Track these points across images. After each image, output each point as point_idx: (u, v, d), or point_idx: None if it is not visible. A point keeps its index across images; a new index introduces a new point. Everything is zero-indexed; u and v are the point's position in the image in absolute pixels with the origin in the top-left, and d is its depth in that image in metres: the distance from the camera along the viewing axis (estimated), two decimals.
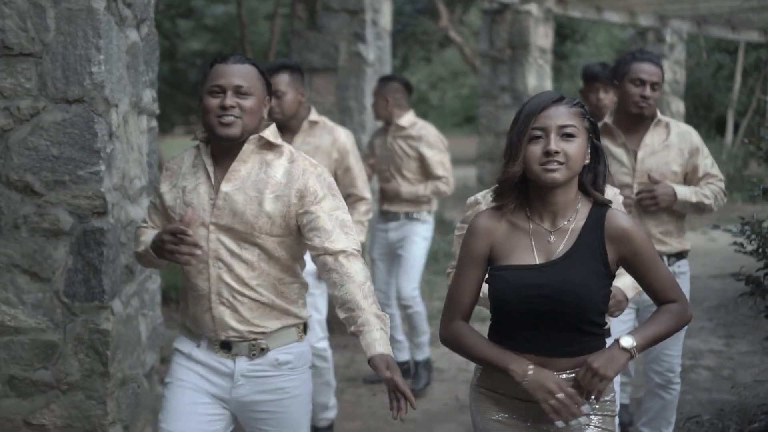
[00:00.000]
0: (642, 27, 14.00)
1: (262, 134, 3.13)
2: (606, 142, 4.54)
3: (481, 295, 2.98)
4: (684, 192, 4.51)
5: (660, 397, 4.77)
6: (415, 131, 6.18)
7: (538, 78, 11.14)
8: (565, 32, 14.77)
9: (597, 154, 2.86)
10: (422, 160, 6.16)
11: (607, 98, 5.49)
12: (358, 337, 3.00)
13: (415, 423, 5.64)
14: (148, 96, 4.39)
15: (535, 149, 2.74)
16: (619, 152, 4.60)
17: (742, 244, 5.09)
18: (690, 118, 15.92)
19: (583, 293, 2.74)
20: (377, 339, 2.95)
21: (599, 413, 2.84)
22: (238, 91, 3.08)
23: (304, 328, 3.28)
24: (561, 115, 2.75)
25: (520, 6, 10.98)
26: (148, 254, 3.20)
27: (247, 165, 3.13)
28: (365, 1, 7.37)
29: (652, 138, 4.61)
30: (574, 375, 2.78)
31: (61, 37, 3.69)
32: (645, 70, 4.53)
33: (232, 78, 3.08)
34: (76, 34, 3.68)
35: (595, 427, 2.83)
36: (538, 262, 2.79)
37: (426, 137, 6.17)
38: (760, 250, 5.04)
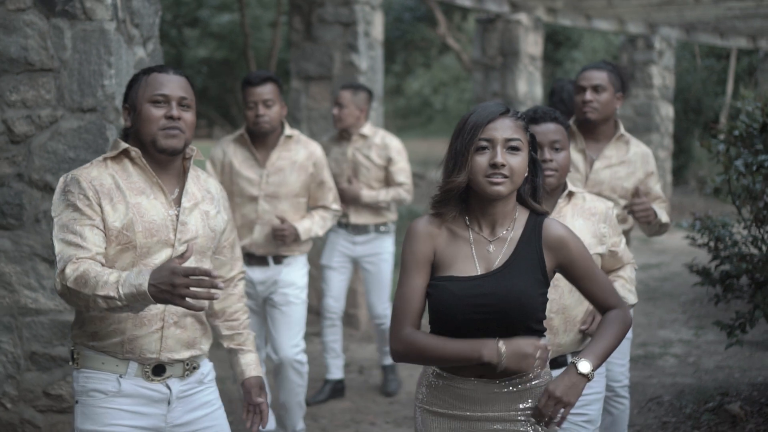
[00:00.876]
0: (632, 34, 14.49)
1: (192, 146, 3.12)
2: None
3: None
4: (660, 212, 4.52)
5: (607, 411, 4.65)
6: (379, 140, 6.16)
7: (528, 84, 11.64)
8: (559, 39, 15.23)
9: (534, 166, 2.88)
10: (387, 169, 6.13)
11: (599, 100, 5.38)
12: (231, 354, 3.29)
13: (401, 404, 6.10)
14: None
15: (482, 160, 2.75)
16: (576, 158, 4.60)
17: (693, 238, 5.59)
18: (679, 122, 16.38)
19: (525, 301, 2.75)
20: (254, 361, 3.27)
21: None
22: (182, 104, 3.01)
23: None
24: (507, 128, 2.76)
25: (510, 15, 11.48)
26: (134, 299, 2.68)
27: (189, 182, 3.08)
28: (358, 14, 7.88)
29: (611, 151, 4.64)
30: (514, 385, 2.81)
31: (77, 55, 4.21)
32: (585, 76, 4.61)
33: (177, 89, 3.00)
34: (90, 52, 4.20)
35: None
36: (479, 272, 2.80)
37: (393, 145, 6.16)
38: (710, 244, 5.54)
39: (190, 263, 2.96)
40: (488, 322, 2.73)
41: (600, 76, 4.60)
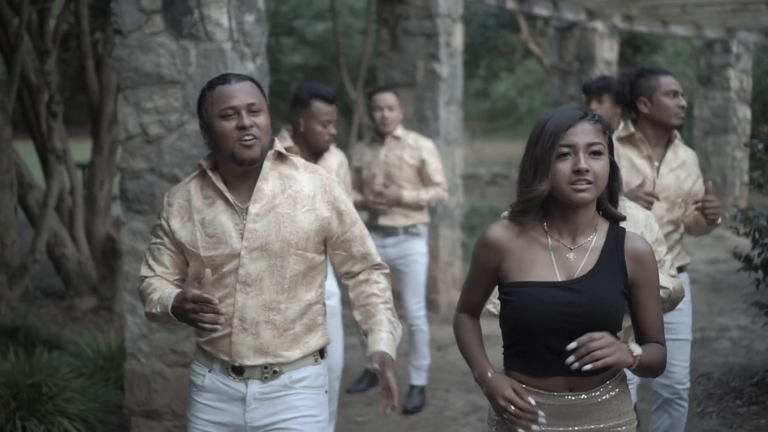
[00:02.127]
0: (709, 39, 14.96)
1: (276, 148, 3.10)
2: (629, 153, 4.54)
3: (494, 311, 3.06)
4: None
5: (668, 414, 4.71)
6: (412, 141, 6.22)
7: None
8: (638, 43, 15.78)
9: (613, 170, 2.79)
10: (421, 169, 6.19)
11: (600, 109, 5.60)
12: (367, 336, 3.10)
13: (430, 423, 6.01)
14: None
15: (564, 167, 2.66)
16: (642, 164, 4.55)
17: (737, 228, 6.23)
18: (757, 123, 16.74)
19: (613, 312, 2.69)
20: (383, 339, 3.03)
21: None
22: (251, 110, 2.99)
23: (321, 352, 3.17)
24: (588, 133, 2.66)
25: (586, 23, 12.13)
26: (168, 318, 2.95)
27: (268, 183, 3.04)
28: (439, 26, 8.66)
29: (671, 155, 4.61)
30: (592, 398, 2.74)
31: (200, 69, 5.09)
32: (674, 82, 4.51)
33: (243, 97, 2.98)
34: (210, 67, 5.08)
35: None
36: (560, 279, 2.71)
37: (425, 146, 6.23)
38: (754, 234, 6.17)
39: (259, 263, 2.99)
40: (571, 331, 2.64)
41: (678, 83, 4.58)
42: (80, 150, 13.90)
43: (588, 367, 2.55)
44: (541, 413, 2.65)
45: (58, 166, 8.06)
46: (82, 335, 6.77)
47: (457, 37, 8.97)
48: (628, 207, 3.56)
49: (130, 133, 5.17)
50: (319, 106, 5.19)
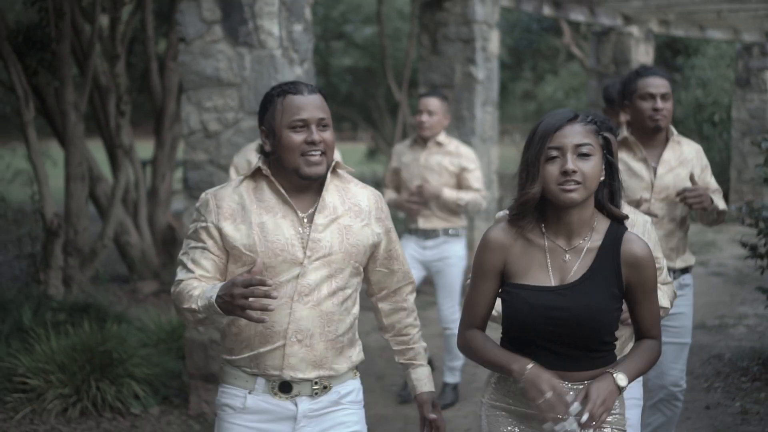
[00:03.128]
0: (746, 42, 15.37)
1: (337, 161, 3.08)
2: (625, 157, 4.53)
3: (495, 313, 3.00)
4: (716, 199, 4.53)
5: (662, 412, 4.82)
6: (453, 148, 6.30)
7: None
8: (678, 47, 16.23)
9: (611, 170, 2.83)
10: (460, 176, 6.26)
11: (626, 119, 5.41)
12: (403, 369, 3.21)
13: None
14: None
15: (553, 169, 2.72)
16: (638, 167, 4.55)
17: (743, 219, 6.75)
18: None
19: (601, 317, 2.75)
20: (426, 376, 3.14)
21: (612, 427, 2.85)
22: (321, 124, 2.95)
23: (356, 367, 3.17)
24: (576, 134, 2.72)
25: (623, 28, 12.65)
26: (209, 311, 2.78)
27: (330, 194, 3.03)
28: (476, 32, 9.27)
29: (669, 154, 4.59)
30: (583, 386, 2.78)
31: (254, 73, 5.77)
32: (652, 83, 4.47)
33: (314, 110, 2.94)
34: (262, 72, 5.75)
35: None
36: (553, 283, 2.78)
37: (466, 153, 6.31)
38: (759, 224, 6.70)
39: (320, 273, 2.95)
40: (560, 335, 2.74)
41: (665, 84, 4.51)
42: (141, 147, 14.71)
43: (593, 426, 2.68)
44: (573, 407, 2.69)
45: (125, 161, 8.83)
46: (147, 312, 7.51)
47: (493, 42, 9.58)
48: (626, 212, 3.57)
49: (192, 129, 5.87)
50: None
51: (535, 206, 2.78)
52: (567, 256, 2.79)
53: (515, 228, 2.82)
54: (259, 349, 2.93)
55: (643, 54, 12.84)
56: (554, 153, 2.71)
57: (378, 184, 15.79)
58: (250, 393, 2.96)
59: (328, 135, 2.94)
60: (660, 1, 11.44)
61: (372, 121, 20.05)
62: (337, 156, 3.11)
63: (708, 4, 11.73)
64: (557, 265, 2.79)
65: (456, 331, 6.08)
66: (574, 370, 2.78)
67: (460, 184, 6.28)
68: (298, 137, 2.90)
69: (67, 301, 7.46)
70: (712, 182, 4.66)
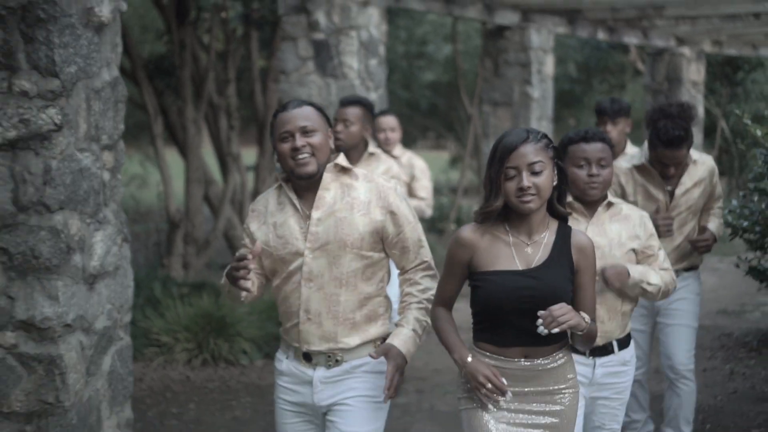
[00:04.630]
0: None
1: (336, 162, 3.41)
2: (645, 181, 4.88)
3: None
4: (716, 228, 5.04)
5: (675, 394, 5.11)
6: (406, 159, 6.83)
7: None
8: (737, 62, 17.34)
9: (562, 174, 3.24)
10: (410, 185, 6.72)
11: (615, 131, 5.59)
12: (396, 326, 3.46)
13: None
14: None
15: (511, 185, 3.13)
16: (655, 192, 4.86)
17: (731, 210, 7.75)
18: None
19: (561, 294, 3.17)
20: (403, 335, 3.38)
21: (569, 390, 3.30)
22: (305, 131, 3.30)
23: (383, 341, 3.46)
24: (528, 154, 3.11)
25: (675, 49, 13.95)
26: (226, 284, 3.38)
27: (330, 192, 3.39)
28: (532, 57, 10.74)
29: (686, 178, 4.89)
30: (549, 364, 3.23)
31: (338, 99, 7.35)
32: (668, 156, 4.65)
33: (296, 121, 3.30)
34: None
35: (568, 405, 3.29)
36: (521, 268, 3.20)
37: (417, 165, 6.86)
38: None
39: (320, 261, 3.34)
40: (528, 312, 3.12)
41: (681, 154, 4.68)
42: (244, 153, 16.53)
43: (555, 330, 3.04)
44: (508, 392, 3.19)
45: (233, 168, 10.56)
46: None
47: (547, 65, 11.04)
48: (625, 207, 4.06)
49: None
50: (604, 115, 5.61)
51: (498, 212, 3.22)
52: (529, 248, 3.23)
53: (482, 227, 3.26)
54: (286, 325, 3.47)
55: (694, 72, 14.11)
56: (512, 172, 3.12)
57: (453, 191, 17.28)
58: (286, 358, 3.50)
59: (314, 139, 3.31)
60: (708, 25, 12.68)
61: (454, 131, 21.52)
62: (340, 158, 3.45)
63: (753, 27, 12.89)
64: (521, 255, 3.22)
65: None
66: (539, 345, 3.21)
67: (410, 193, 6.78)
68: (285, 146, 3.31)
69: (187, 280, 9.19)
70: (717, 190, 5.07)
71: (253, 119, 11.34)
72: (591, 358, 3.92)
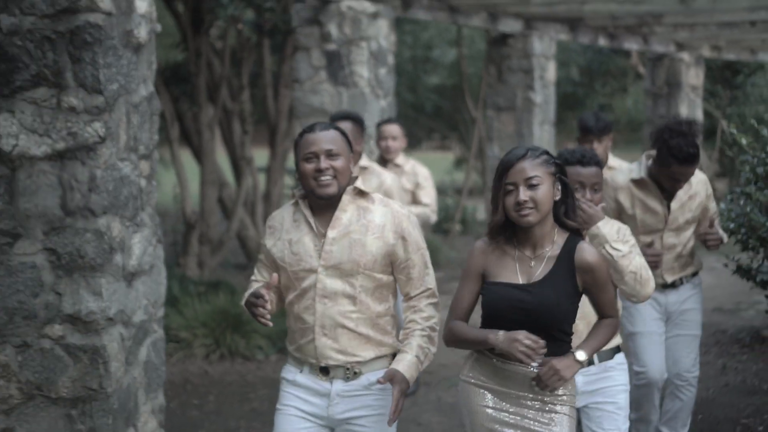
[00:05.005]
0: None
1: (355, 185, 3.51)
2: (642, 195, 4.98)
3: None
4: (723, 234, 5.08)
5: (678, 398, 5.25)
6: (410, 168, 6.95)
7: (689, 109, 14.43)
8: (737, 67, 17.69)
9: (566, 189, 3.37)
10: (414, 192, 6.88)
11: (600, 148, 5.65)
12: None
13: None
14: None
15: (510, 200, 3.29)
16: (653, 204, 4.98)
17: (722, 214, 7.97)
18: None
19: (555, 311, 3.31)
20: (407, 361, 3.43)
21: (565, 404, 3.39)
22: (330, 154, 3.40)
23: (395, 355, 3.55)
24: (526, 169, 3.27)
25: (675, 54, 14.31)
26: (245, 308, 3.47)
27: (347, 213, 3.48)
28: (534, 64, 11.11)
29: (681, 192, 5.01)
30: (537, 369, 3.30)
31: (349, 106, 7.73)
32: (684, 173, 4.75)
33: (322, 144, 3.40)
34: (355, 104, 7.73)
35: (563, 414, 3.38)
36: (521, 282, 3.34)
37: (421, 172, 6.98)
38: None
39: (334, 279, 3.43)
40: (524, 323, 3.29)
41: (692, 172, 4.79)
42: (256, 154, 16.93)
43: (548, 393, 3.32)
44: (538, 356, 3.25)
45: (246, 171, 10.95)
46: None
47: (549, 71, 11.41)
48: (605, 222, 3.94)
49: None
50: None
51: (505, 226, 3.38)
52: (532, 262, 3.37)
53: (493, 240, 3.42)
54: (300, 342, 3.52)
55: (693, 77, 14.48)
56: (510, 187, 3.29)
57: (458, 192, 17.66)
58: (300, 372, 3.54)
59: (337, 163, 3.41)
60: (707, 32, 13.03)
61: (459, 133, 21.89)
62: (359, 182, 3.54)
63: (750, 34, 13.24)
64: (524, 269, 3.37)
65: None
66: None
67: (414, 200, 6.94)
68: (309, 166, 3.40)
69: (203, 279, 9.58)
70: (712, 206, 5.14)
71: (265, 123, 11.73)
72: None
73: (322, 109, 7.80)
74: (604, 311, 3.47)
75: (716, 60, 16.14)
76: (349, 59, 7.68)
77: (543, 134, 11.35)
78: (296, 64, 7.87)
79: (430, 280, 3.59)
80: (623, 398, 4.08)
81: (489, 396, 3.41)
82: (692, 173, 4.81)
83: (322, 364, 3.47)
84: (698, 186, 5.05)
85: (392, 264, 3.52)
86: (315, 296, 3.43)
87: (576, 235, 3.41)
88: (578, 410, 4.02)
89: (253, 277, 3.65)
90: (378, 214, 3.51)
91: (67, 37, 4.06)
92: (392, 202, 3.59)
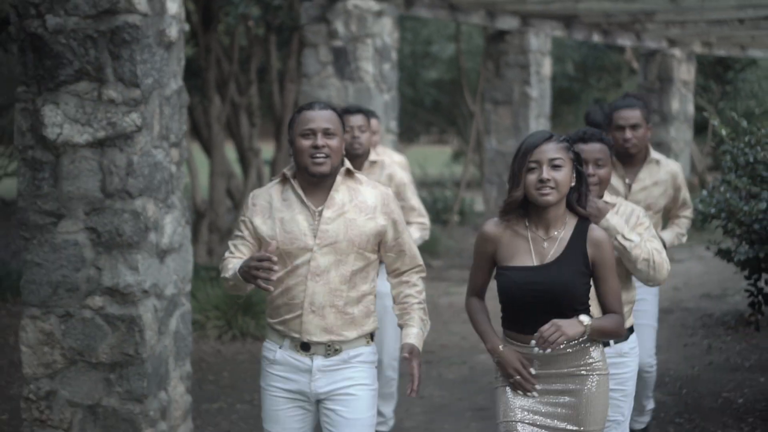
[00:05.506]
0: None
1: (347, 166, 3.57)
2: None
3: None
4: (670, 238, 5.35)
5: (640, 377, 5.09)
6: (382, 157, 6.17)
7: (680, 103, 14.87)
8: (728, 62, 18.14)
9: (580, 178, 3.44)
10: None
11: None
12: (402, 329, 3.63)
13: None
14: (393, 124, 8.86)
15: (532, 178, 3.35)
16: (616, 183, 5.12)
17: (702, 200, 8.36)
18: None
19: (570, 289, 3.39)
20: (414, 334, 3.56)
21: (594, 373, 3.47)
22: (326, 133, 3.45)
23: (372, 336, 3.67)
24: (551, 150, 3.35)
25: (667, 50, 14.75)
26: (235, 279, 3.44)
27: (340, 193, 3.53)
28: (531, 59, 11.53)
29: (644, 174, 5.20)
30: (562, 349, 3.40)
31: (355, 99, 8.14)
32: (623, 116, 5.06)
33: (320, 122, 3.45)
34: (361, 99, 8.14)
35: (601, 374, 3.47)
36: (535, 264, 3.40)
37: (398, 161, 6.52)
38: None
39: (328, 257, 3.49)
40: (541, 304, 3.37)
41: (635, 115, 5.07)
42: (262, 147, 17.42)
43: (548, 350, 3.31)
44: (536, 388, 3.43)
45: (254, 162, 11.39)
46: None
47: (545, 67, 11.84)
48: (623, 205, 4.09)
49: None
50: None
51: (519, 206, 3.44)
52: (545, 243, 3.44)
53: (504, 222, 3.49)
54: (285, 317, 3.56)
55: (684, 72, 14.91)
56: (533, 165, 3.37)
57: (457, 184, 18.09)
58: (280, 348, 3.60)
59: (333, 142, 3.48)
60: (697, 29, 13.45)
61: (457, 127, 22.32)
62: (348, 163, 3.61)
63: (740, 30, 13.66)
64: (538, 250, 3.44)
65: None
66: None
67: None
68: (306, 142, 3.47)
69: (212, 265, 10.03)
70: (682, 198, 5.36)
71: (270, 116, 12.17)
72: None
73: (329, 102, 8.22)
74: (609, 304, 3.51)
75: (708, 56, 16.57)
76: (355, 55, 8.11)
77: (539, 127, 11.76)
78: (304, 59, 8.30)
79: (419, 256, 3.72)
80: (631, 385, 4.17)
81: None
82: (633, 118, 5.02)
83: (305, 340, 3.54)
84: (665, 175, 5.23)
85: (380, 243, 3.62)
86: (307, 273, 3.49)
87: (586, 221, 3.51)
88: None
89: (228, 254, 3.63)
90: (369, 195, 3.59)
91: (107, 36, 4.48)
92: (378, 183, 3.69)
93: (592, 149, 3.98)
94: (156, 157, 4.67)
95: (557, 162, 3.36)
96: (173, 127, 4.86)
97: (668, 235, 5.41)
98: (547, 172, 3.34)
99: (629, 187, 5.16)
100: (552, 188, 3.35)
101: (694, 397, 6.79)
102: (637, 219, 4.04)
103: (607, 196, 4.09)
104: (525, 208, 3.46)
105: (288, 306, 3.54)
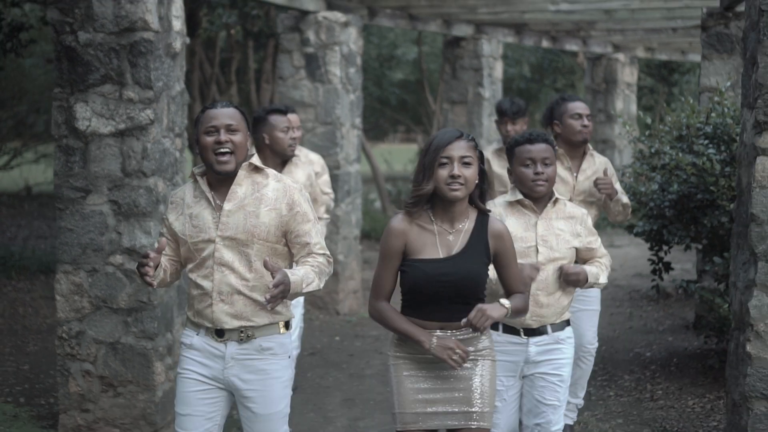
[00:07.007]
0: None
1: (251, 161, 3.65)
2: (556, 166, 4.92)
3: (492, 278, 3.71)
4: (621, 195, 5.51)
5: (579, 367, 5.46)
6: (304, 156, 6.74)
7: (624, 103, 16.17)
8: (672, 65, 19.46)
9: (483, 175, 3.58)
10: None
11: (514, 129, 6.21)
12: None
13: None
14: (358, 121, 10.05)
15: (443, 172, 3.45)
16: (564, 174, 5.36)
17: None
18: None
19: (477, 279, 3.54)
20: (294, 272, 3.51)
21: (484, 358, 3.62)
22: (230, 129, 3.54)
23: (287, 324, 3.73)
24: (462, 148, 3.48)
25: (611, 54, 16.04)
26: (136, 273, 3.66)
27: (242, 187, 3.62)
28: (483, 63, 12.75)
29: (586, 165, 5.48)
30: (462, 335, 3.55)
31: (324, 99, 9.33)
32: (579, 106, 5.38)
33: (223, 118, 3.55)
34: (330, 98, 9.31)
35: (488, 359, 3.63)
36: (442, 256, 3.52)
37: (317, 161, 7.00)
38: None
39: (230, 249, 3.60)
40: (447, 293, 3.50)
41: (587, 107, 5.45)
42: None
43: (480, 333, 3.55)
44: (431, 373, 3.58)
45: None
46: None
47: (497, 70, 13.07)
48: (568, 205, 4.32)
49: None
50: (276, 118, 5.92)
51: (426, 200, 3.53)
52: (450, 236, 3.57)
53: (410, 217, 3.56)
54: (197, 307, 3.71)
55: (627, 75, 16.21)
56: (445, 161, 3.47)
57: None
58: (197, 335, 3.73)
59: (236, 137, 3.59)
60: (636, 36, 14.73)
61: (422, 125, 23.48)
62: (255, 159, 3.71)
63: (676, 38, 14.92)
64: (444, 242, 3.56)
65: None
66: (452, 320, 3.57)
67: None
68: (210, 139, 3.58)
69: None
70: (618, 187, 5.57)
71: (248, 113, 13.30)
72: (525, 337, 4.21)
73: (302, 101, 9.41)
74: (514, 286, 3.71)
75: (653, 60, 17.88)
76: (324, 60, 9.29)
77: (491, 125, 12.98)
78: (280, 63, 9.47)
79: (326, 249, 3.76)
80: (567, 371, 4.30)
81: (414, 367, 3.65)
82: (587, 109, 5.45)
83: (218, 327, 3.66)
84: (600, 165, 5.56)
85: (285, 235, 3.69)
86: (213, 264, 3.63)
87: (485, 215, 3.67)
88: (523, 378, 4.28)
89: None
90: (271, 188, 3.68)
91: (127, 48, 5.61)
92: (285, 177, 3.76)
93: (540, 149, 4.15)
94: (165, 145, 5.83)
95: (467, 159, 3.50)
96: (177, 121, 6.03)
97: (624, 197, 5.60)
98: (458, 169, 3.47)
99: (576, 177, 5.43)
100: (461, 184, 3.49)
101: (611, 352, 8.02)
102: (585, 225, 4.32)
103: (557, 195, 4.29)
104: (430, 203, 3.58)
105: (200, 297, 3.69)
